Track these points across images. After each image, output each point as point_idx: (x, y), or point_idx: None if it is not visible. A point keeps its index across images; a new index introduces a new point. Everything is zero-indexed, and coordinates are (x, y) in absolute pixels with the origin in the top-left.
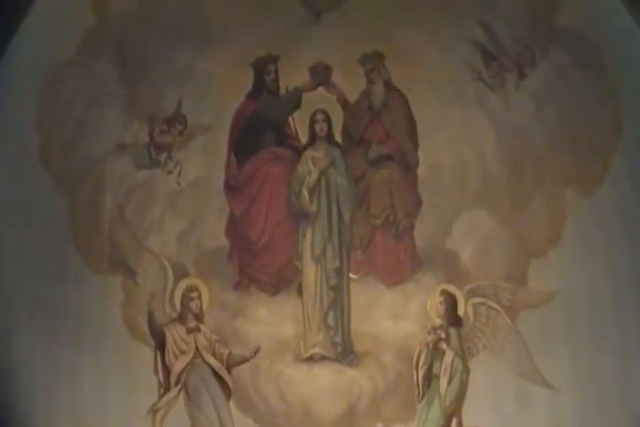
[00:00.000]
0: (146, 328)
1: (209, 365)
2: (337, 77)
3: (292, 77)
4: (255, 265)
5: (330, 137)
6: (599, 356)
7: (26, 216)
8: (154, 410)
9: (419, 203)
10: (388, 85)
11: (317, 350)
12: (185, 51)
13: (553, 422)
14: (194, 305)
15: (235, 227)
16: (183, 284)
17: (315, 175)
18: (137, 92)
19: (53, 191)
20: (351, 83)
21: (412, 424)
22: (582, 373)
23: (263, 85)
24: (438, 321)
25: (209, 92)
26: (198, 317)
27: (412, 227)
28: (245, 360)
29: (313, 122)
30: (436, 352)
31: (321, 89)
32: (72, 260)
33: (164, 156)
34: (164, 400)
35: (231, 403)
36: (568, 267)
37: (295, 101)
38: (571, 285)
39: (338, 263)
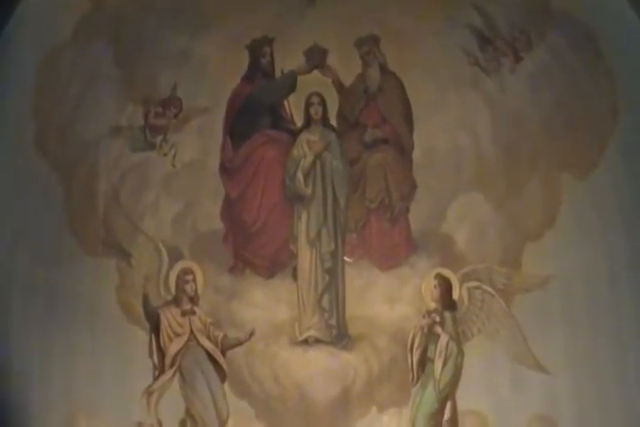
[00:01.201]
0: (140, 311)
1: (203, 347)
2: (332, 60)
3: (287, 60)
4: (250, 248)
5: (325, 120)
6: (595, 339)
7: (20, 200)
8: (148, 392)
9: (414, 186)
10: (384, 69)
11: (312, 333)
12: (180, 33)
13: (548, 405)
14: (189, 288)
15: (230, 210)
16: (178, 266)
17: (310, 158)
18: (132, 74)
19: (48, 175)
20: (346, 66)
21: (407, 408)
22: (577, 356)
23: (258, 68)
24: (433, 305)
25: (204, 75)
26: (193, 299)
27: (407, 210)
28: (240, 343)
29: (308, 105)
30: (430, 336)
31: (316, 72)
32: (67, 243)
33: (159, 138)
34: (158, 383)
35: (226, 386)
36: (563, 250)
37: (290, 84)
38: (566, 268)
39: (333, 247)
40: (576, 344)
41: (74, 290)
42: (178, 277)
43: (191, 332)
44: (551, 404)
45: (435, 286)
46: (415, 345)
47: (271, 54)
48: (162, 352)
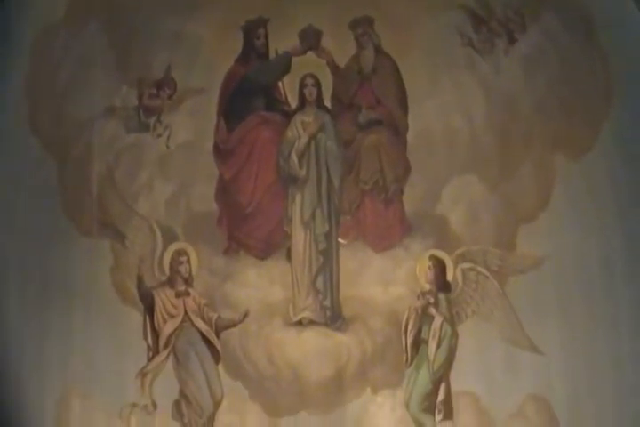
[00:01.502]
0: (135, 292)
1: (198, 329)
2: (327, 42)
3: (281, 41)
4: (244, 230)
5: (319, 102)
6: (588, 321)
7: (14, 182)
8: (143, 373)
9: (408, 168)
10: (378, 50)
11: (306, 314)
12: (175, 14)
13: (541, 386)
14: (183, 269)
15: (224, 191)
16: (172, 248)
17: (304, 140)
18: (126, 55)
19: (42, 156)
20: (341, 47)
21: (401, 389)
22: (571, 337)
23: (253, 49)
24: (427, 286)
25: (198, 56)
26: (187, 281)
27: (402, 192)
28: (234, 324)
29: (302, 86)
30: (424, 317)
31: (311, 53)
32: (61, 224)
33: (153, 119)
34: (152, 364)
35: (220, 367)
36: (557, 232)
37: (285, 66)
38: (560, 250)
39: (327, 228)
40: (569, 325)
41: (68, 271)
42: (172, 259)
43: (185, 313)
44: (544, 385)
45: (429, 268)
46: (409, 327)
47: (265, 36)
48: (156, 333)
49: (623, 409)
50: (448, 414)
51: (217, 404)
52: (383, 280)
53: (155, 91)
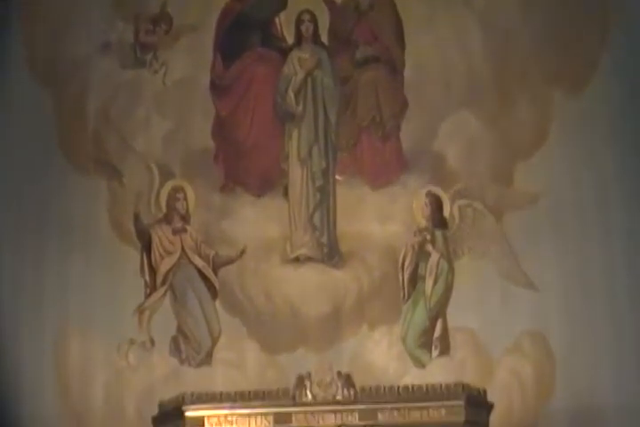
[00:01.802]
0: (132, 229)
1: (195, 265)
2: None
3: None
4: (241, 167)
5: (316, 38)
6: (584, 256)
7: (10, 119)
8: (140, 310)
9: (405, 104)
10: None
11: (303, 250)
12: None
13: (538, 321)
14: (180, 206)
15: (221, 128)
16: (169, 185)
17: (301, 76)
18: None
19: (38, 93)
20: None
21: (397, 325)
22: (567, 273)
23: None
24: (424, 223)
25: None
26: (184, 218)
27: (399, 128)
28: (231, 261)
29: (299, 22)
30: (421, 254)
31: None
32: (57, 162)
33: (149, 56)
34: (150, 301)
35: (217, 303)
36: (554, 168)
37: (281, 1)
38: (557, 186)
39: (324, 165)
40: (565, 261)
41: (65, 210)
42: (169, 196)
43: (182, 250)
44: (541, 320)
45: (426, 204)
46: (406, 263)
47: None
48: (153, 270)
49: (619, 340)
50: (445, 350)
51: (215, 340)
52: (380, 217)
53: (151, 27)
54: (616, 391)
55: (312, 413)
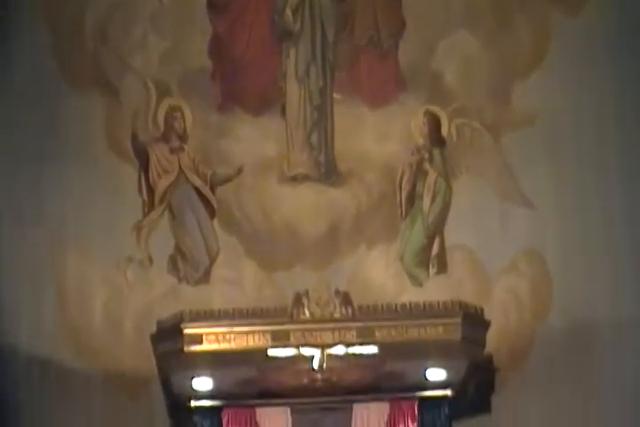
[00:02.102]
0: (129, 148)
1: (192, 184)
2: None
3: None
4: (238, 85)
5: None
6: (580, 174)
7: (6, 40)
8: (138, 228)
9: (403, 24)
10: None
11: (301, 169)
12: None
13: (534, 240)
14: (177, 125)
15: (218, 46)
16: (166, 103)
17: None
18: None
19: (35, 12)
20: None
21: (395, 243)
22: (563, 192)
23: None
24: (421, 141)
25: None
26: (182, 137)
27: (397, 48)
28: (229, 179)
29: None
30: (419, 172)
31: None
32: (55, 80)
33: None
34: (148, 219)
35: (215, 222)
36: (552, 88)
37: None
38: (554, 105)
39: (321, 84)
40: (562, 180)
41: (63, 128)
42: (166, 114)
43: (180, 169)
44: (537, 238)
45: (423, 123)
46: (404, 182)
47: None
48: (151, 189)
49: (614, 258)
50: (442, 268)
51: (212, 259)
52: (378, 136)
53: None
54: (611, 308)
55: (310, 331)
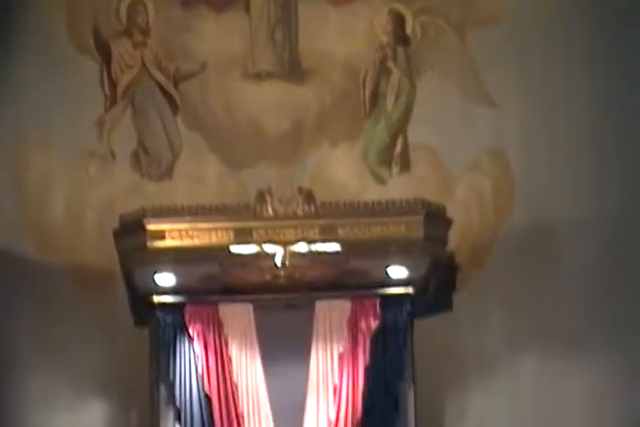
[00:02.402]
0: (91, 42)
1: (156, 80)
2: None
3: None
4: None
5: None
6: (546, 75)
7: None
8: (101, 122)
9: None
10: None
11: (265, 66)
12: None
13: (497, 139)
14: (140, 19)
15: None
16: None
17: None
18: None
19: None
20: None
21: (359, 142)
22: (527, 91)
23: None
24: (385, 39)
25: None
26: (145, 31)
27: None
28: (192, 75)
29: None
30: (382, 71)
31: None
32: None
33: None
34: (110, 114)
35: (178, 118)
36: None
37: None
38: (520, 2)
39: None
40: (527, 80)
41: (22, 22)
42: (129, 8)
43: (143, 64)
44: (500, 137)
45: (387, 21)
46: (367, 80)
47: None
48: (113, 84)
49: (576, 157)
50: (405, 167)
51: (175, 155)
52: (342, 34)
53: None
54: (571, 207)
55: (272, 228)
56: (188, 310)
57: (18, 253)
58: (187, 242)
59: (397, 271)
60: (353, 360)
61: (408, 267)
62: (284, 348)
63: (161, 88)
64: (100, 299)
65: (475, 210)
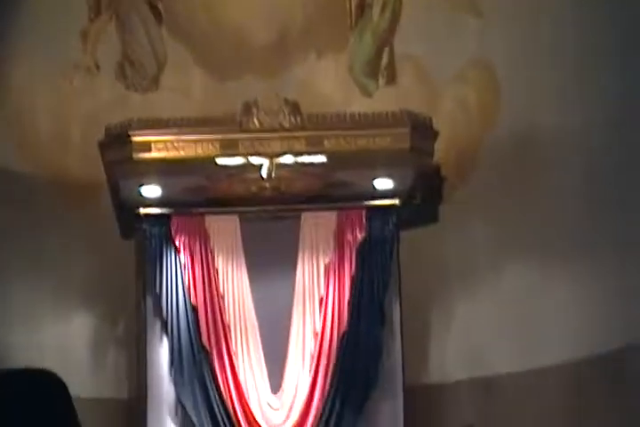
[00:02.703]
0: None
1: None
2: None
3: None
4: None
5: None
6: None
7: None
8: (84, 33)
9: None
10: None
11: None
12: None
13: (483, 49)
14: None
15: None
16: None
17: None
18: None
19: None
20: None
21: (345, 53)
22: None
23: None
24: None
25: None
26: None
27: None
28: None
29: None
30: None
31: None
32: None
33: None
34: (94, 24)
35: (163, 30)
36: None
37: None
38: None
39: None
40: None
41: None
42: None
43: None
44: (486, 48)
45: None
46: None
47: None
48: None
49: (561, 67)
50: (391, 79)
51: (161, 66)
52: None
53: None
54: (557, 116)
55: (258, 139)
56: (175, 221)
57: (1, 165)
58: (172, 153)
59: (383, 183)
60: (339, 271)
61: (394, 178)
62: (270, 260)
63: None
64: (85, 211)
65: (460, 121)
